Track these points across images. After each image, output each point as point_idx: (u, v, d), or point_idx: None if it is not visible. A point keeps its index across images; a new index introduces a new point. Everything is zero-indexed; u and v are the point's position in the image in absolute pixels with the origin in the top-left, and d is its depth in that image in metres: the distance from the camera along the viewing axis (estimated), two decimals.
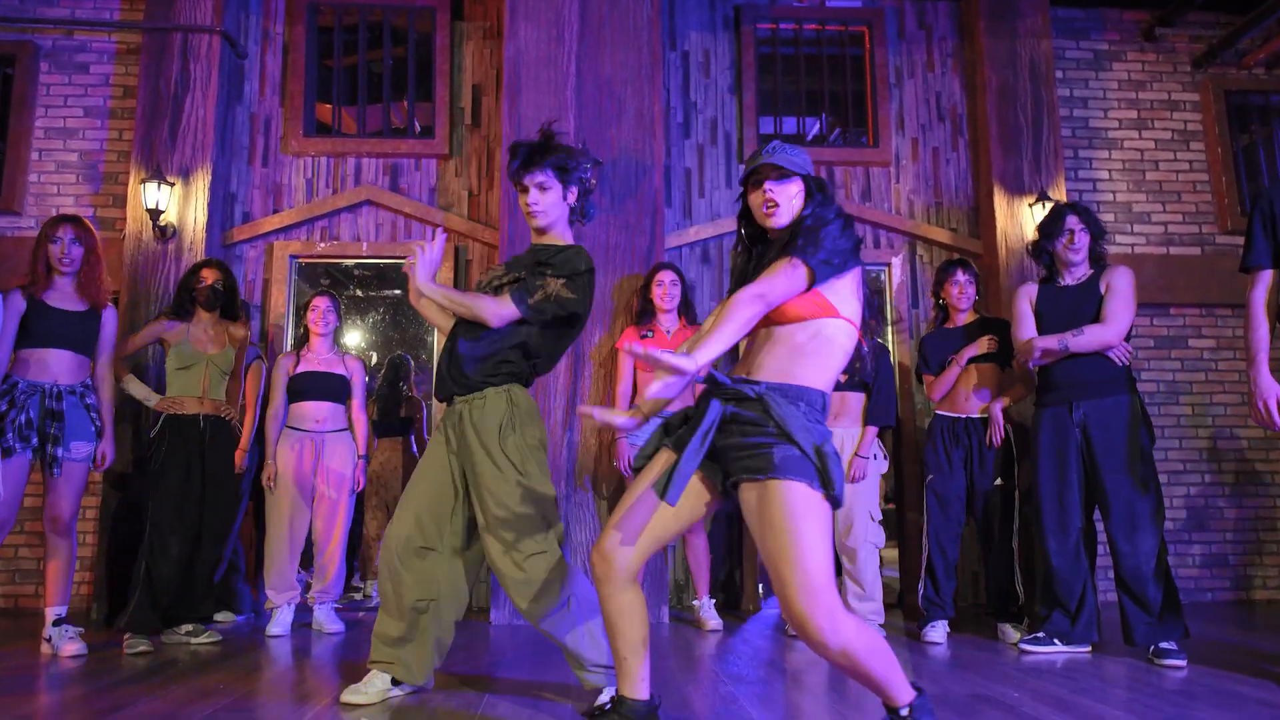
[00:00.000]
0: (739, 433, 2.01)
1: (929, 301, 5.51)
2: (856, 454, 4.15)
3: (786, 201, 2.16)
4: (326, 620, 4.25)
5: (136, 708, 2.64)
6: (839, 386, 4.15)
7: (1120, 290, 3.60)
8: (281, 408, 4.41)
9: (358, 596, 5.73)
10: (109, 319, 3.81)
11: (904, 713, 1.96)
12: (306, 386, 4.39)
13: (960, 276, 4.26)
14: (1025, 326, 3.77)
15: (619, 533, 2.14)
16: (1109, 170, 5.89)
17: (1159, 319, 5.72)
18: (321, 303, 4.52)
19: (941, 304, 4.34)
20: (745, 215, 2.30)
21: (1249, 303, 2.94)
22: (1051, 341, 3.60)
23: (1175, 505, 5.53)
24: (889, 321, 5.62)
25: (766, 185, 2.17)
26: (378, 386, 6.15)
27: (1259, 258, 2.96)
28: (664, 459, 2.15)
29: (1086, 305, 3.68)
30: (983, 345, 4.12)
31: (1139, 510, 3.47)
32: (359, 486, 4.45)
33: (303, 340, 4.54)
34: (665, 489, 2.01)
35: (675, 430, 2.17)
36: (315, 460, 4.34)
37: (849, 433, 4.18)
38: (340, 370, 4.47)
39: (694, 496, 2.15)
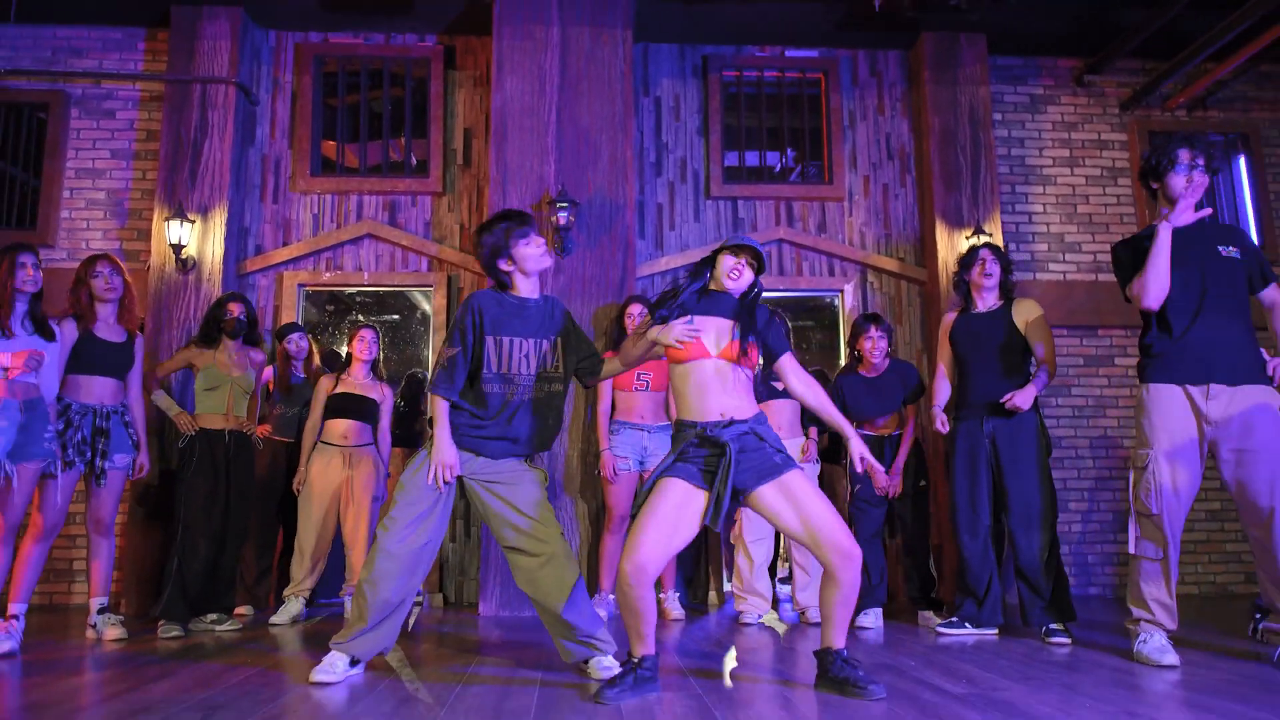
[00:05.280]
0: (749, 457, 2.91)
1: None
2: (804, 455, 4.74)
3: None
4: None
5: (178, 677, 3.20)
6: (768, 396, 4.77)
7: (1045, 330, 4.21)
8: (319, 423, 4.97)
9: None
10: (140, 346, 4.37)
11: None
12: (342, 406, 4.94)
13: (874, 332, 4.76)
14: (943, 361, 4.49)
15: (649, 549, 2.81)
16: (1043, 204, 6.49)
17: (1088, 340, 6.31)
18: (368, 334, 5.10)
19: (857, 353, 4.85)
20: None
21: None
22: (1030, 396, 4.07)
23: (1102, 509, 6.11)
24: (842, 344, 6.21)
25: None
26: (395, 400, 6.69)
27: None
28: (682, 491, 2.89)
29: (996, 330, 4.26)
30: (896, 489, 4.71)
31: (1035, 511, 4.04)
32: (384, 497, 5.03)
33: (345, 364, 5.11)
34: (714, 520, 2.84)
35: (687, 464, 2.93)
36: (345, 471, 4.88)
37: (789, 442, 4.75)
38: (375, 395, 5.04)
39: (701, 514, 2.91)
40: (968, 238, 5.99)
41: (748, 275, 3.06)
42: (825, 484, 5.33)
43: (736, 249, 3.06)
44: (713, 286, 3.11)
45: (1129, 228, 6.49)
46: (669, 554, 2.87)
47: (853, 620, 4.51)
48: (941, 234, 6.08)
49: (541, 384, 3.23)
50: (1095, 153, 6.60)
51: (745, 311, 3.04)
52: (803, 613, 4.71)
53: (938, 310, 6.00)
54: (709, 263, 3.13)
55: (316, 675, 3.04)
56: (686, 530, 2.91)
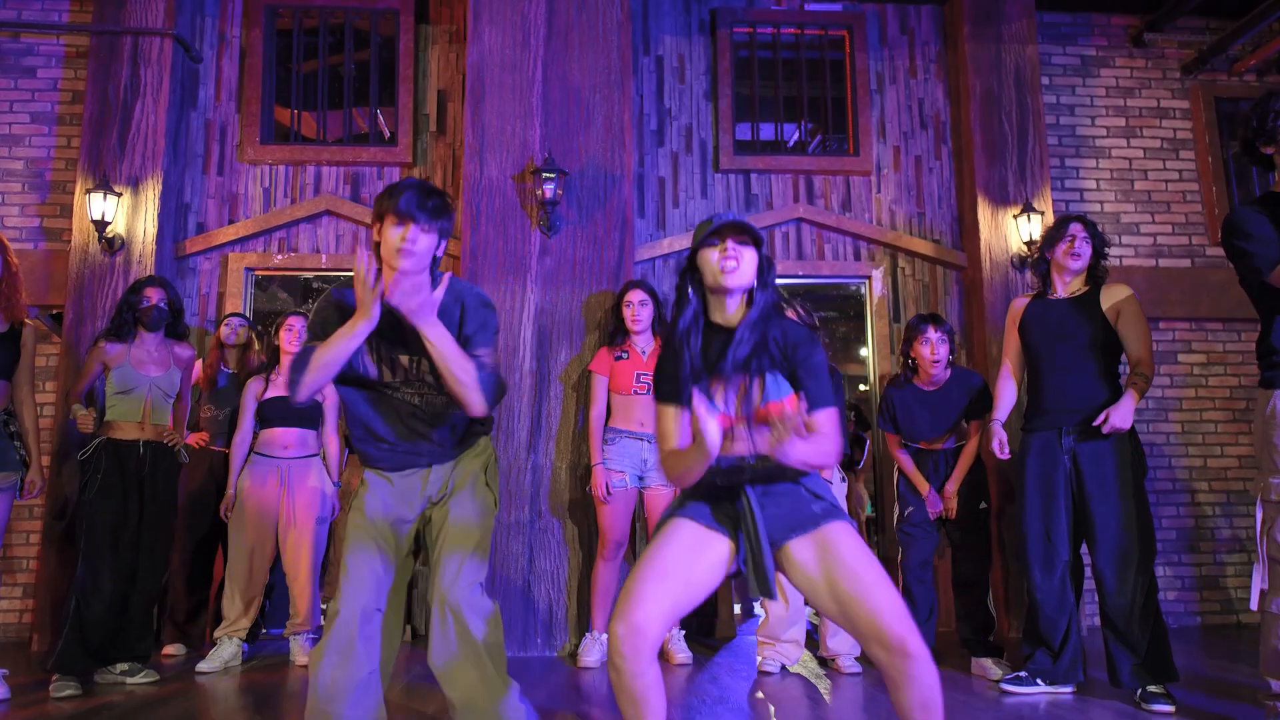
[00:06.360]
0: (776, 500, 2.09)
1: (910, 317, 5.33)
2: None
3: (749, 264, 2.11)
4: (302, 652, 4.03)
5: None
6: None
7: (1139, 319, 3.44)
8: (248, 434, 4.20)
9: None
10: (30, 338, 3.59)
11: None
12: (277, 412, 4.17)
13: (932, 335, 3.96)
14: (1009, 359, 3.71)
15: (649, 606, 1.96)
16: (1096, 180, 5.72)
17: None
18: (296, 323, 4.31)
19: (911, 361, 4.05)
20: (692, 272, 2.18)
21: None
22: (1128, 413, 3.30)
23: (1165, 525, 5.35)
24: (869, 339, 5.43)
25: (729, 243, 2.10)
26: None
27: None
28: (693, 534, 2.10)
29: (1080, 320, 3.48)
30: (950, 505, 3.94)
31: (1128, 545, 3.27)
32: (334, 514, 4.27)
33: (273, 361, 4.31)
34: (761, 586, 2.03)
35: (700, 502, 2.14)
36: (281, 489, 4.13)
37: None
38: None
39: (717, 567, 2.10)
40: (1015, 216, 5.22)
41: (749, 257, 2.10)
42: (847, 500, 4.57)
43: (717, 233, 2.10)
44: (714, 317, 2.15)
45: (1192, 207, 5.72)
46: (677, 613, 2.05)
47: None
48: (984, 212, 5.31)
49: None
50: (1154, 122, 5.83)
51: (763, 343, 2.10)
52: (833, 660, 3.95)
53: (979, 299, 5.24)
54: (691, 273, 2.16)
55: None
56: (700, 584, 2.09)
